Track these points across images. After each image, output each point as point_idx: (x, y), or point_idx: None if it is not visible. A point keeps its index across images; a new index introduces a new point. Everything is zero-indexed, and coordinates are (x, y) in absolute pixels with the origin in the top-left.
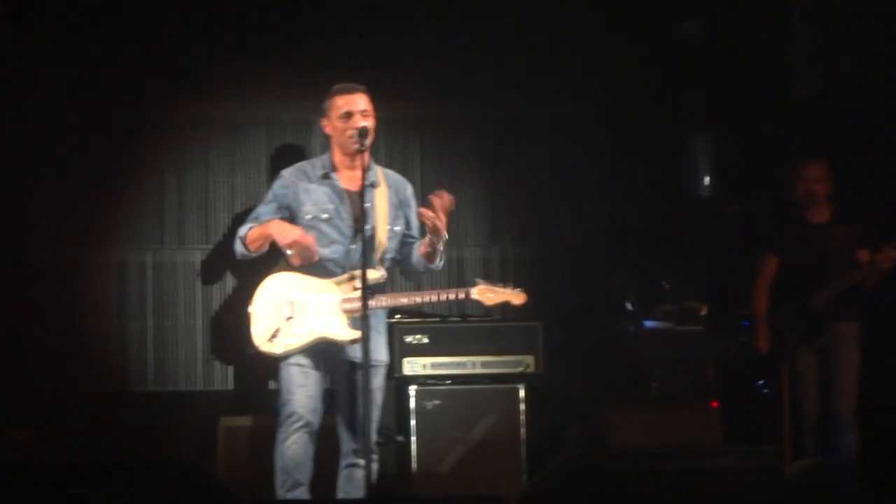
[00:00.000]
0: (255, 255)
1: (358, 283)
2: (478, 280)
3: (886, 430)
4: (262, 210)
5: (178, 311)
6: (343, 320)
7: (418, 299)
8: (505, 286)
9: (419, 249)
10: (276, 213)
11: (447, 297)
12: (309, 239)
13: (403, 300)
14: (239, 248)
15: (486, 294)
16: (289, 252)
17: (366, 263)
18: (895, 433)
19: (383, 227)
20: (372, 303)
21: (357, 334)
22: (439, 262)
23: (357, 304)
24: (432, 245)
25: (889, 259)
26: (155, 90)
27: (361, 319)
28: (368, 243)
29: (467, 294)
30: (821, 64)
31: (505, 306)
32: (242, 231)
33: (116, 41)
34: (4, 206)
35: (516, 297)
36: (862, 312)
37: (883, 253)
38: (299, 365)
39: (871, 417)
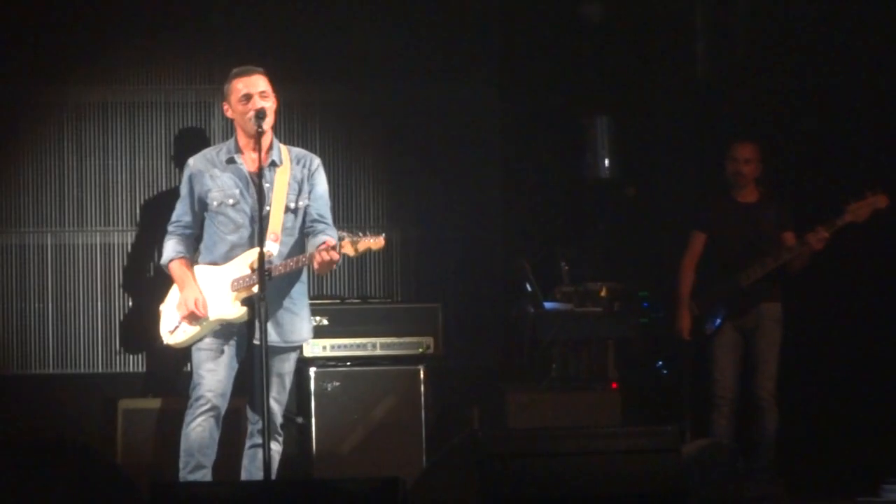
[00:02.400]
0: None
1: (249, 262)
2: (342, 234)
3: (804, 411)
4: (181, 210)
5: (78, 293)
6: (232, 299)
7: (292, 265)
8: (365, 234)
9: (315, 258)
10: (192, 209)
11: (319, 260)
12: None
13: (280, 269)
14: (163, 263)
15: (347, 247)
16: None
17: (262, 243)
18: (813, 414)
19: (279, 204)
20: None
21: (247, 309)
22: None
23: (247, 282)
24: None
25: (820, 239)
26: (54, 72)
27: (257, 300)
28: (264, 222)
29: (336, 251)
30: (720, 48)
31: (368, 253)
32: (168, 254)
33: (15, 21)
34: None
35: (375, 242)
36: (785, 294)
37: (815, 234)
38: (210, 349)
39: (790, 398)
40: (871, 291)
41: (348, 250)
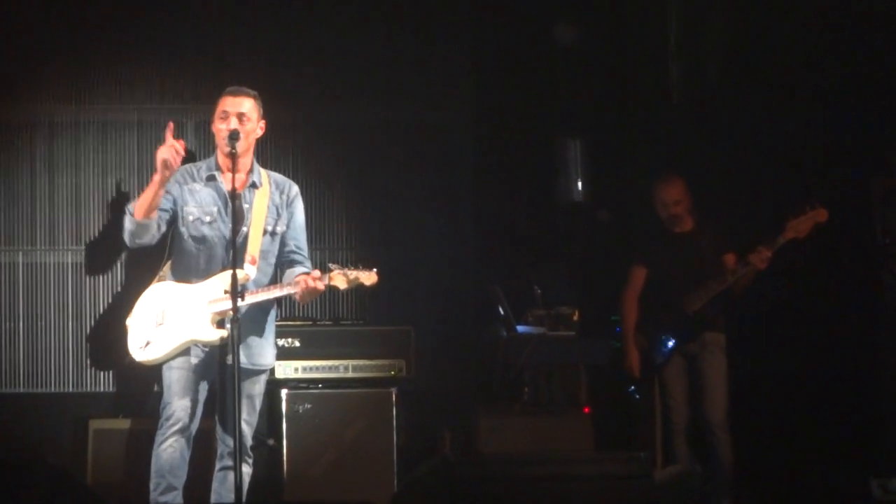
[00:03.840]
0: (146, 223)
1: (225, 284)
2: (331, 265)
3: (757, 435)
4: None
5: (50, 312)
6: (209, 322)
7: (278, 292)
8: (357, 268)
9: (297, 288)
10: (166, 204)
11: (305, 287)
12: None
13: (265, 295)
14: (128, 224)
15: (338, 278)
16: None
17: (235, 264)
18: (767, 438)
19: (258, 227)
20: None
21: (223, 333)
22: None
23: (223, 305)
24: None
25: (763, 259)
26: (25, 90)
27: (231, 321)
28: (242, 244)
29: (322, 281)
30: (693, 73)
31: (361, 288)
32: (129, 208)
33: None
34: None
35: (368, 277)
36: (728, 323)
37: (757, 254)
38: (181, 368)
39: (743, 423)
40: (818, 306)
41: (339, 283)
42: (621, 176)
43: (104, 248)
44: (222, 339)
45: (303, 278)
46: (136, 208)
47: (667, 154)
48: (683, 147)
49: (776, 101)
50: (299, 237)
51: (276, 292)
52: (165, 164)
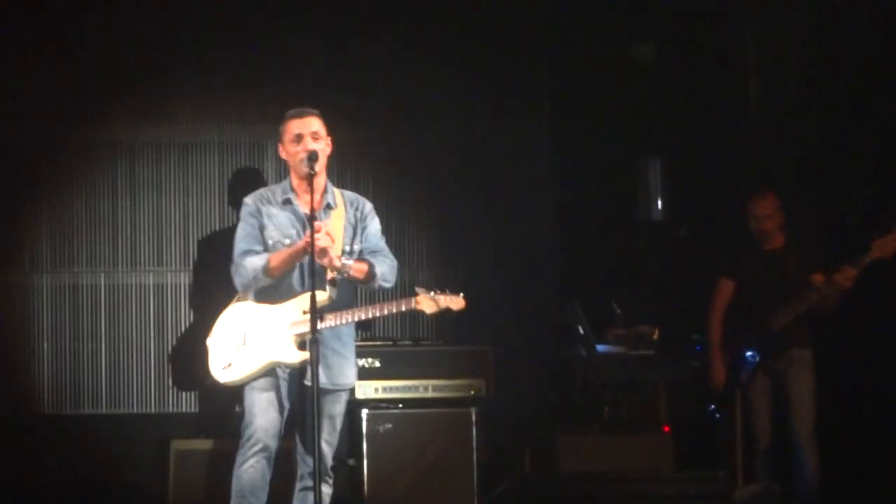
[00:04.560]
0: (271, 281)
1: (306, 306)
2: (418, 289)
3: (844, 452)
4: (251, 240)
5: (131, 333)
6: (291, 343)
7: (362, 315)
8: (444, 293)
9: (379, 311)
10: (259, 240)
11: (389, 311)
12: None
13: (348, 317)
14: (253, 277)
15: (426, 303)
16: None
17: (314, 286)
18: (853, 456)
19: (338, 249)
20: (319, 324)
21: (305, 356)
22: (377, 283)
23: (304, 327)
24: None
25: (848, 278)
26: (109, 112)
27: (310, 343)
28: (320, 266)
29: (408, 305)
30: (772, 90)
31: (447, 313)
32: (258, 263)
33: (70, 62)
34: None
35: (456, 303)
36: (816, 339)
37: (842, 273)
38: (263, 389)
39: (829, 441)
40: None
41: (426, 307)
42: (701, 194)
43: (185, 269)
44: (304, 361)
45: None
46: (275, 270)
47: (745, 172)
48: (762, 165)
49: (857, 116)
50: (375, 242)
51: (348, 317)
52: (323, 252)
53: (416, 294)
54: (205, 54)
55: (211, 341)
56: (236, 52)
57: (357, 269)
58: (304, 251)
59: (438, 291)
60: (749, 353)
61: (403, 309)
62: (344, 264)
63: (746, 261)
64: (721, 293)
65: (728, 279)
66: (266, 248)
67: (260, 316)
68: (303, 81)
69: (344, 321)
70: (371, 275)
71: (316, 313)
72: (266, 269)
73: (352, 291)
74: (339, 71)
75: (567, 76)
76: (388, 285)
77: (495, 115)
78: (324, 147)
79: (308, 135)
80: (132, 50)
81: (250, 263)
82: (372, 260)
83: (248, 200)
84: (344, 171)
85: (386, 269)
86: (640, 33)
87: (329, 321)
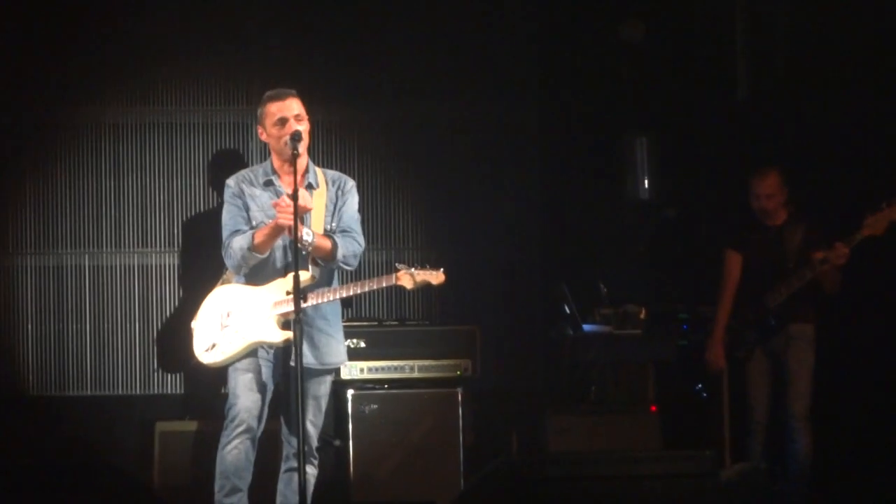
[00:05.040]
0: (260, 257)
1: (289, 286)
2: (398, 265)
3: (840, 433)
4: (236, 218)
5: (116, 314)
6: (274, 324)
7: (344, 293)
8: (424, 268)
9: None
10: (245, 220)
11: (370, 287)
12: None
13: (330, 296)
14: (241, 257)
15: (406, 278)
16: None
17: (297, 266)
18: (848, 436)
19: (318, 229)
20: (302, 303)
21: (288, 335)
22: (337, 263)
23: (287, 307)
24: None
25: (840, 255)
26: (91, 92)
27: (294, 323)
28: (301, 245)
29: (389, 281)
30: (759, 69)
31: (427, 288)
32: (243, 242)
33: (53, 43)
34: None
35: (436, 277)
36: (819, 315)
37: (834, 250)
38: (246, 370)
39: (825, 421)
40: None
41: (406, 282)
42: (688, 173)
43: (169, 251)
44: (287, 340)
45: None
46: (261, 246)
47: (733, 151)
48: (750, 144)
49: (844, 96)
50: (349, 221)
51: (329, 295)
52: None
53: (396, 270)
54: (190, 34)
55: (195, 323)
56: (221, 33)
57: (320, 245)
58: (279, 227)
59: (419, 267)
60: (746, 333)
61: (384, 285)
62: (304, 240)
63: (749, 236)
64: (731, 268)
65: (735, 252)
66: (251, 229)
67: (243, 297)
68: (288, 61)
69: (325, 299)
70: (332, 255)
71: (299, 293)
72: (252, 246)
73: (335, 270)
74: (326, 51)
75: (554, 55)
76: (348, 268)
77: (482, 94)
78: (306, 127)
79: (291, 118)
80: (117, 30)
81: (237, 243)
82: (337, 239)
83: (231, 182)
84: (330, 151)
85: (349, 251)
86: (628, 11)
87: (312, 300)
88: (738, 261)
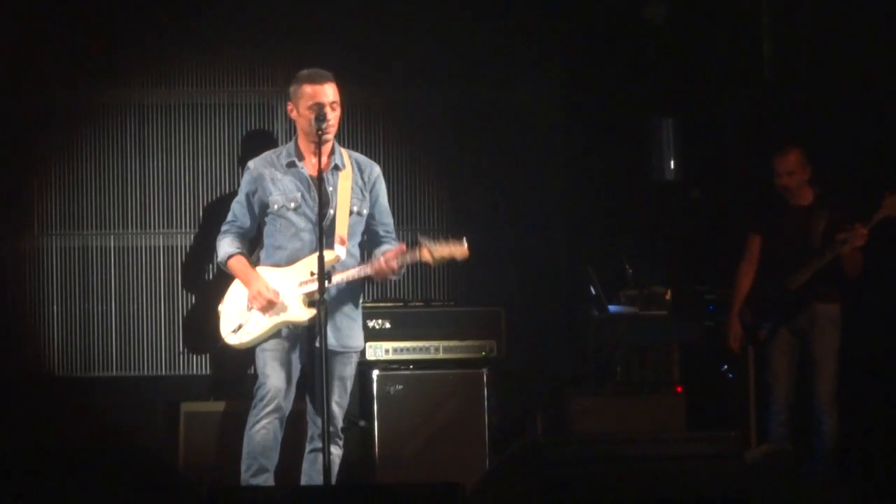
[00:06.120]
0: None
1: (314, 266)
2: (421, 239)
3: (866, 414)
4: (240, 212)
5: (141, 295)
6: (300, 302)
7: (368, 270)
8: (448, 241)
9: (372, 265)
10: (251, 211)
11: (394, 265)
12: (269, 296)
13: (353, 274)
14: (218, 259)
15: (429, 252)
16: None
17: (321, 247)
18: (874, 418)
19: (345, 209)
20: (326, 283)
21: (314, 313)
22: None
23: (313, 286)
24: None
25: (860, 237)
26: (116, 74)
27: (318, 303)
28: (329, 226)
29: (413, 256)
30: (785, 50)
31: (451, 262)
32: (226, 250)
33: (78, 25)
34: None
35: (460, 250)
36: (844, 295)
37: (853, 231)
38: (275, 350)
39: (851, 402)
40: None
41: (428, 256)
42: (714, 154)
43: (195, 232)
44: (312, 319)
45: (379, 258)
46: (230, 270)
47: (759, 132)
48: (776, 125)
49: (869, 77)
50: (385, 218)
51: (353, 274)
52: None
53: (419, 245)
54: (215, 15)
55: (222, 307)
56: (246, 13)
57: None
58: (254, 297)
59: (442, 240)
60: (768, 314)
61: (408, 261)
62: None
63: (773, 216)
64: (751, 249)
65: (756, 234)
66: (269, 213)
67: (269, 279)
68: (313, 42)
69: (350, 278)
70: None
71: (324, 274)
72: (224, 264)
73: (359, 252)
74: (351, 31)
75: (580, 35)
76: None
77: (507, 76)
78: (338, 113)
79: (327, 104)
80: (141, 11)
81: (221, 247)
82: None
83: (251, 164)
84: (355, 133)
85: None
86: None
87: (336, 278)
88: (758, 243)
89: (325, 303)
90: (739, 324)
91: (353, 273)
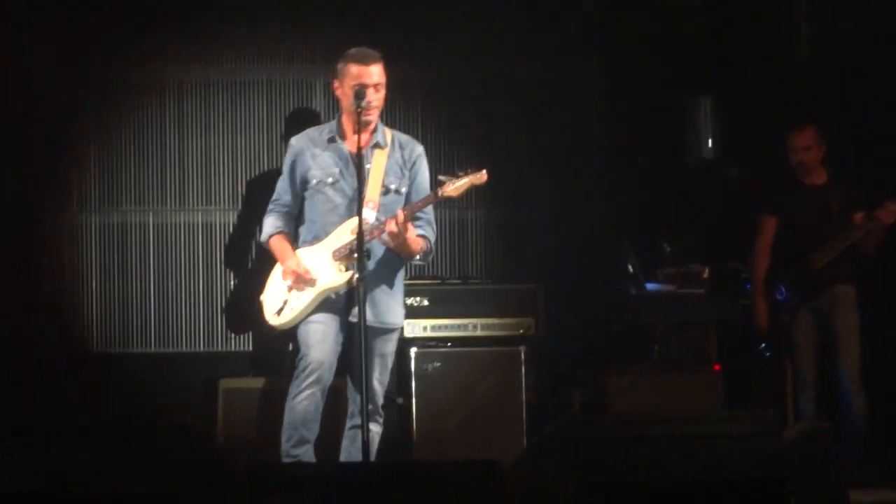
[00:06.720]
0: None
1: (346, 231)
2: (440, 177)
3: (890, 394)
4: (282, 189)
5: (180, 272)
6: (334, 269)
7: (393, 224)
8: (466, 172)
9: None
10: (293, 188)
11: (418, 209)
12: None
13: (382, 230)
14: (263, 241)
15: (449, 189)
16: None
17: (360, 224)
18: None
19: (377, 182)
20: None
21: (349, 275)
22: (422, 258)
23: (346, 251)
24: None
25: (891, 213)
26: (155, 51)
27: (358, 282)
28: (362, 202)
29: (436, 197)
30: (822, 27)
31: (473, 189)
32: (267, 230)
33: (118, 1)
34: (7, 167)
35: (478, 178)
36: (858, 276)
37: (885, 208)
38: (317, 322)
39: (877, 381)
40: None
41: (450, 192)
42: (751, 133)
43: (233, 209)
44: (349, 282)
45: (391, 219)
46: (269, 248)
47: (796, 110)
48: (813, 103)
49: None
50: (421, 195)
51: (391, 225)
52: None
53: (440, 183)
54: None
55: (263, 296)
56: None
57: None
58: (287, 273)
59: (461, 173)
60: (780, 294)
61: (432, 202)
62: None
63: (788, 197)
64: (765, 230)
65: (770, 215)
66: (308, 188)
67: (307, 257)
68: (351, 20)
69: (377, 234)
70: (426, 252)
71: (363, 250)
72: (266, 243)
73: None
74: (388, 9)
75: (618, 14)
76: (421, 261)
77: (546, 54)
78: (383, 94)
79: (371, 86)
80: None
81: (265, 228)
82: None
83: (293, 141)
84: (393, 111)
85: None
86: None
87: (366, 238)
88: (773, 224)
89: (364, 280)
90: (765, 303)
91: (380, 229)
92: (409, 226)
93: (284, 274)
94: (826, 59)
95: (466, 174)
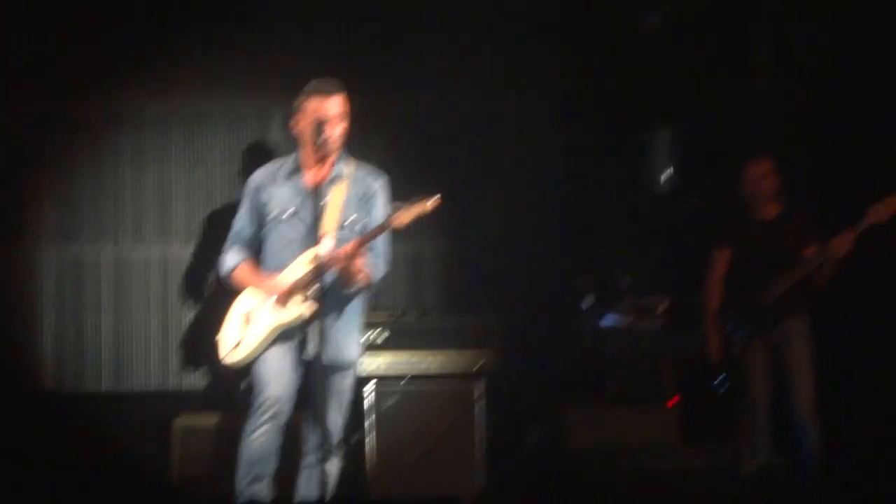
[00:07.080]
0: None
1: (302, 261)
2: (393, 205)
3: (844, 426)
4: (242, 223)
5: (135, 307)
6: (290, 301)
7: (348, 248)
8: (417, 200)
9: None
10: (252, 222)
11: (372, 238)
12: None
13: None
14: (222, 275)
15: (398, 218)
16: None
17: (317, 259)
18: (854, 430)
19: (332, 222)
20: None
21: (301, 311)
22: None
23: (301, 283)
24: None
25: (847, 242)
26: (111, 84)
27: (312, 316)
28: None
29: (386, 227)
30: (779, 61)
31: (423, 216)
32: (231, 262)
33: (74, 35)
34: None
35: (428, 205)
36: (811, 308)
37: (840, 238)
38: (274, 358)
39: (829, 414)
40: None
41: (398, 220)
42: (709, 164)
43: (190, 243)
44: (300, 316)
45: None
46: (235, 282)
47: (754, 142)
48: (771, 135)
49: (866, 88)
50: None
51: (344, 250)
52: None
53: (392, 211)
54: (210, 24)
55: (218, 336)
56: (243, 23)
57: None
58: (270, 289)
59: (411, 201)
60: (732, 328)
61: (380, 232)
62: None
63: (740, 230)
64: (718, 263)
65: (724, 249)
66: (266, 222)
67: (260, 294)
68: (309, 53)
69: (332, 265)
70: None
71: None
72: (228, 277)
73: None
74: (347, 42)
75: (576, 44)
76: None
77: (507, 85)
78: (344, 126)
79: (330, 119)
80: (137, 22)
81: (224, 262)
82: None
83: (254, 177)
84: (351, 139)
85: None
86: (647, 2)
87: (323, 271)
88: (726, 258)
89: (320, 316)
90: (717, 336)
91: (328, 264)
92: (358, 258)
93: (269, 292)
94: (785, 90)
95: (414, 203)
